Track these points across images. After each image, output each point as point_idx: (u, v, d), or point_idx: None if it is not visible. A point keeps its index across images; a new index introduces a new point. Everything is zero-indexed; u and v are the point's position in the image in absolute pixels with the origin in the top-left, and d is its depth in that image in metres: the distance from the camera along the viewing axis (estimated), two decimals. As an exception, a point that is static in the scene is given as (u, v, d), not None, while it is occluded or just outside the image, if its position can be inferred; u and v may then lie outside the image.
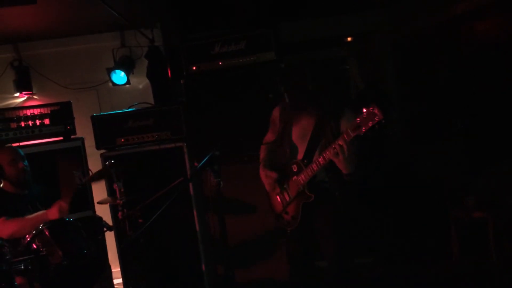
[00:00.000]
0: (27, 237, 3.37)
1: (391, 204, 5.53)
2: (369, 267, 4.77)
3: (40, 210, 3.74)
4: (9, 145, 4.08)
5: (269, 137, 3.62)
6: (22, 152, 3.92)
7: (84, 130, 4.72)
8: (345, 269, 3.32)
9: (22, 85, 5.32)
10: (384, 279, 4.59)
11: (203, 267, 4.45)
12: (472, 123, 5.33)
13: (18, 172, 3.77)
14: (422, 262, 4.75)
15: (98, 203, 4.00)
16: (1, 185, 3.81)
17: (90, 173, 4.47)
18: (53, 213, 3.59)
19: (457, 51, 5.53)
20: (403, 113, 6.58)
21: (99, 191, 4.57)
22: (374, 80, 7.00)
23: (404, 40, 6.52)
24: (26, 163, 3.85)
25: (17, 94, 5.36)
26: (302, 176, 3.30)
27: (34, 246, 3.33)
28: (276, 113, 3.56)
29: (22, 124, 4.44)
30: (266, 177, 3.48)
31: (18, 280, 3.18)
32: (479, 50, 5.16)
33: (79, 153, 4.51)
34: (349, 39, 7.58)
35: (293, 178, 3.35)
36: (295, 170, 3.34)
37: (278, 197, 3.48)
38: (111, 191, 4.25)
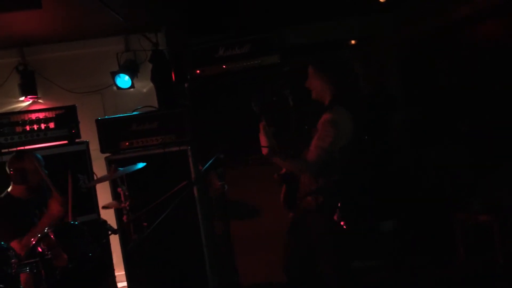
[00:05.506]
0: (32, 241, 3.37)
1: (396, 207, 5.52)
2: (374, 270, 4.76)
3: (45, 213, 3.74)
4: (34, 152, 4.03)
5: None
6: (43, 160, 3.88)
7: (88, 134, 4.73)
8: (343, 275, 3.23)
9: (27, 89, 5.33)
10: (389, 282, 4.58)
11: (208, 270, 4.45)
12: (476, 126, 5.32)
13: (39, 180, 3.75)
14: (427, 265, 4.74)
15: (103, 208, 4.00)
16: (9, 190, 3.78)
17: (95, 177, 4.48)
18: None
19: (460, 54, 5.53)
20: (407, 116, 6.57)
21: (103, 194, 4.58)
22: (379, 83, 7.00)
23: (407, 43, 6.52)
24: (46, 171, 3.81)
25: (22, 98, 5.37)
26: None
27: (39, 250, 3.33)
28: None
29: (27, 128, 4.44)
30: None
31: (22, 276, 3.20)
32: (482, 53, 5.16)
33: (84, 156, 4.52)
34: (353, 42, 7.59)
35: None
36: None
37: None
38: (115, 195, 4.26)
